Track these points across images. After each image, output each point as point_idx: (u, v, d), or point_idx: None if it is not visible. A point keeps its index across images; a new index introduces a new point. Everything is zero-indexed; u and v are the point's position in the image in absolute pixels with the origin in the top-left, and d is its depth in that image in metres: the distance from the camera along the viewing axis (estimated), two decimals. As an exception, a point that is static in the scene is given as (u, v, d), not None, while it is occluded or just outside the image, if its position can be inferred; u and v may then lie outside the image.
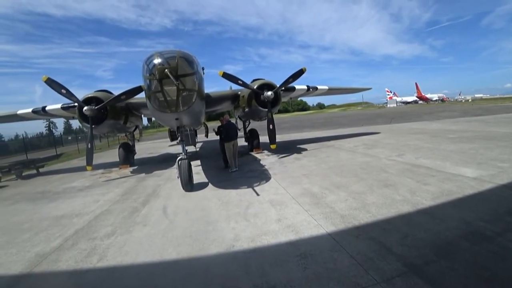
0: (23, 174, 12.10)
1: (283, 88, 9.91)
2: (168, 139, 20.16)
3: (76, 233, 4.80)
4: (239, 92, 11.10)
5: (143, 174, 9.86)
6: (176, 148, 17.51)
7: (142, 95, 6.70)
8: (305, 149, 12.10)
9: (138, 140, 20.25)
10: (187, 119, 6.72)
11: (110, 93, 9.70)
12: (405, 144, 10.94)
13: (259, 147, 12.93)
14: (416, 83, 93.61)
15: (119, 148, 12.46)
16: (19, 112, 11.30)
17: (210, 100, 10.38)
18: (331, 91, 14.98)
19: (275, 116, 10.42)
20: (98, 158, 15.70)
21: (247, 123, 13.74)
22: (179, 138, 7.35)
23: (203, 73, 6.64)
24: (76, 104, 8.67)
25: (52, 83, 7.78)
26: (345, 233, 3.82)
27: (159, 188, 7.51)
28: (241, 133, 14.07)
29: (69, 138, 38.99)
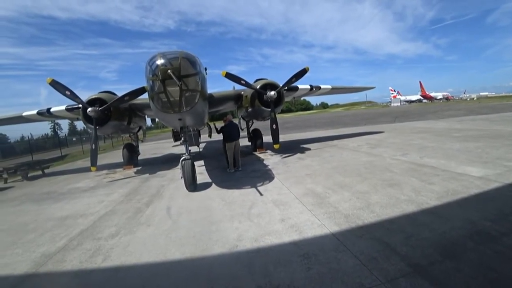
0: (28, 175, 12.22)
1: (286, 87, 9.89)
2: (172, 140, 20.24)
3: (81, 234, 4.83)
4: (242, 92, 11.09)
5: (147, 175, 9.91)
6: (179, 149, 17.58)
7: (145, 96, 6.73)
8: (309, 149, 12.07)
9: (142, 141, 20.35)
10: (190, 119, 6.74)
11: (114, 94, 9.77)
12: (409, 143, 10.87)
13: (263, 147, 12.92)
14: (420, 82, 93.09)
15: (123, 149, 12.52)
16: (25, 114, 11.40)
17: (213, 100, 10.40)
18: (334, 90, 14.94)
19: (278, 116, 10.41)
20: (102, 159, 15.83)
21: (250, 123, 13.74)
22: (182, 139, 7.38)
23: (206, 74, 6.66)
24: (80, 105, 8.74)
25: (56, 85, 7.86)
26: (349, 233, 3.80)
27: (162, 189, 7.54)
28: (244, 133, 14.11)
29: (74, 139, 39.28)
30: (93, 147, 8.84)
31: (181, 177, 6.98)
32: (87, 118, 8.77)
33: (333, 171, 7.44)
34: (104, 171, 11.69)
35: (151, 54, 5.52)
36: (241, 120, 13.61)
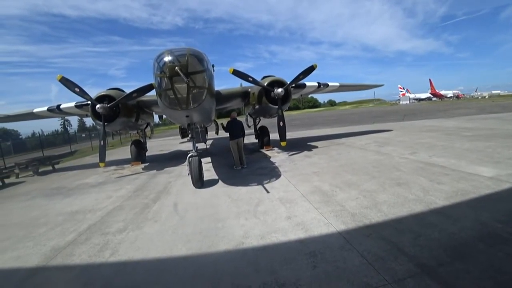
0: (39, 170, 12.49)
1: (294, 85, 9.83)
2: (179, 137, 20.38)
3: (89, 228, 4.92)
4: (250, 89, 11.07)
5: (154, 171, 10.00)
6: (186, 145, 17.68)
7: (153, 92, 6.77)
8: (316, 147, 12.01)
9: (150, 138, 20.52)
10: (198, 116, 6.76)
11: (122, 91, 9.85)
12: (418, 142, 10.71)
13: (270, 144, 12.90)
14: (430, 80, 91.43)
15: (131, 145, 12.65)
16: (35, 110, 11.64)
17: (220, 98, 10.41)
18: (342, 88, 14.78)
19: (285, 113, 10.36)
20: (110, 155, 16.03)
21: (257, 120, 13.72)
22: (189, 135, 7.41)
23: (213, 70, 6.66)
24: (89, 102, 8.84)
25: (66, 82, 7.97)
26: (355, 232, 3.77)
27: (170, 185, 7.60)
28: (251, 131, 14.10)
29: (83, 135, 39.90)
30: (102, 144, 8.96)
31: (188, 174, 7.02)
32: (95, 115, 8.88)
33: (340, 169, 7.39)
34: (113, 167, 11.84)
35: (159, 51, 5.54)
36: (248, 117, 13.60)
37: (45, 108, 11.38)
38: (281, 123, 9.67)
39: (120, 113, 9.27)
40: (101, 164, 8.86)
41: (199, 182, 6.96)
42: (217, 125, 17.57)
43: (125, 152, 15.92)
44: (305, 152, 10.80)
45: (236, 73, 8.33)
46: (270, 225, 4.29)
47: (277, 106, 9.63)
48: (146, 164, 11.94)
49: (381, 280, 2.71)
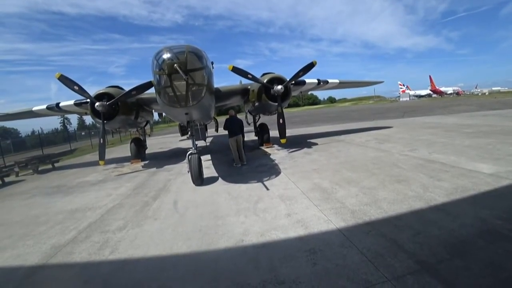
0: (39, 168, 12.48)
1: (293, 82, 9.80)
2: (179, 134, 20.36)
3: (89, 226, 4.92)
4: (249, 87, 11.03)
5: (154, 169, 10.00)
6: (186, 143, 17.68)
7: (152, 90, 6.74)
8: (316, 144, 12.00)
9: (149, 135, 20.51)
10: (197, 113, 6.75)
11: (122, 89, 9.82)
12: (418, 138, 10.70)
13: (269, 141, 12.89)
14: (430, 76, 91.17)
15: (130, 143, 12.66)
16: (34, 108, 11.62)
17: (220, 95, 10.38)
18: (342, 85, 14.76)
19: (285, 110, 10.34)
20: (110, 153, 16.02)
21: (257, 118, 13.70)
22: (189, 133, 7.40)
23: (213, 68, 6.63)
24: (88, 100, 8.82)
25: (65, 80, 7.93)
26: (355, 229, 3.77)
27: (169, 183, 7.60)
28: (251, 128, 14.09)
29: (83, 133, 39.83)
30: (101, 142, 8.94)
31: (188, 171, 7.02)
32: (95, 113, 8.86)
33: (340, 166, 7.38)
34: (112, 165, 11.85)
35: (158, 48, 5.51)
36: (248, 115, 13.56)
37: (44, 106, 11.35)
38: (281, 120, 9.65)
39: (119, 111, 9.25)
40: (101, 162, 8.85)
41: (199, 179, 6.95)
42: (216, 122, 17.56)
43: (125, 150, 15.92)
44: (305, 149, 10.79)
45: (236, 70, 8.30)
46: (270, 222, 4.29)
47: (276, 103, 9.60)
48: (146, 162, 11.94)
49: (381, 277, 2.71)
